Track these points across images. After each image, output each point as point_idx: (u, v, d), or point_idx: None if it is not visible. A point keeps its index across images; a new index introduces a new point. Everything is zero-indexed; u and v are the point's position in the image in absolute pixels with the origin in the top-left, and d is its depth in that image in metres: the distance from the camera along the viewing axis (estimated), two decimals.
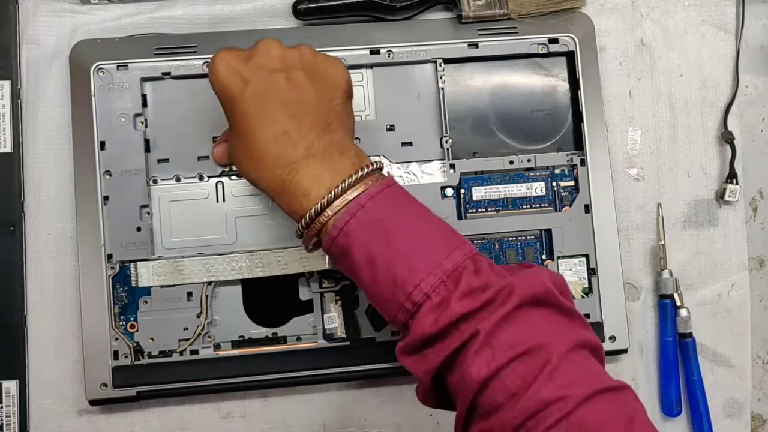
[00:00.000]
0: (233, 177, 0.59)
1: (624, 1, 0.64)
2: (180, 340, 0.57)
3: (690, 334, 0.61)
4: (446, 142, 0.60)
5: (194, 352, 0.57)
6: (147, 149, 0.58)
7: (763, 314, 0.65)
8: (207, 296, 0.57)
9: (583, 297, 0.60)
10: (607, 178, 0.60)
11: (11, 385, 0.58)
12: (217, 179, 0.59)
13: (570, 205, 0.61)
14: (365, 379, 0.59)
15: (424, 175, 0.60)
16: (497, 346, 0.41)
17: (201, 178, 0.59)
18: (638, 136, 0.63)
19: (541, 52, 0.61)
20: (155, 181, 0.58)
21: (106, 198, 0.57)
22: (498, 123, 0.62)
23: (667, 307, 0.62)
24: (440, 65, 0.60)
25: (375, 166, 0.46)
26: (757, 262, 0.66)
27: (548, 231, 0.60)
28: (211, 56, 0.58)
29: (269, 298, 0.59)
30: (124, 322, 0.57)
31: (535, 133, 0.62)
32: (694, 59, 0.64)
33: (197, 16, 0.61)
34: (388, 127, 0.60)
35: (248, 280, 0.58)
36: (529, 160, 0.61)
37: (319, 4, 0.59)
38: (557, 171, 0.61)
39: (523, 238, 0.60)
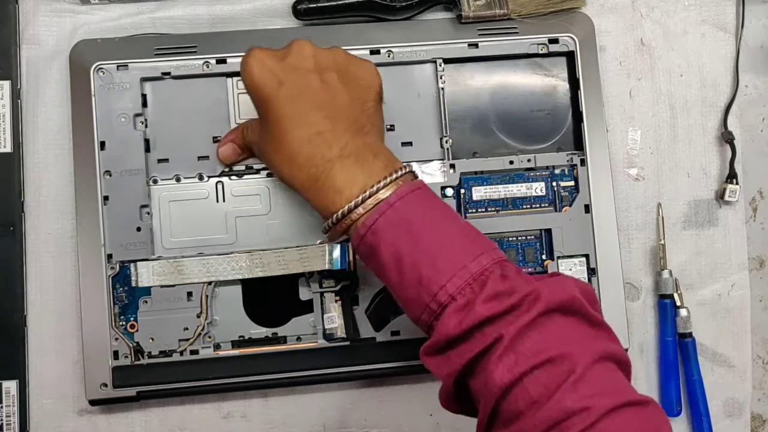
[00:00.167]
0: (233, 177, 0.59)
1: (624, 1, 0.64)
2: (180, 340, 0.57)
3: (690, 334, 0.61)
4: (446, 142, 0.60)
5: (194, 352, 0.57)
6: (147, 149, 0.58)
7: (763, 314, 0.65)
8: (207, 296, 0.57)
9: None
10: (607, 178, 0.60)
11: (11, 385, 0.58)
12: (217, 179, 0.59)
13: (570, 205, 0.61)
14: (365, 379, 0.59)
15: (424, 175, 0.60)
16: (521, 352, 0.41)
17: (201, 178, 0.59)
18: (638, 136, 0.63)
19: (541, 52, 0.61)
20: (155, 181, 0.58)
21: (106, 198, 0.57)
22: (498, 123, 0.62)
23: (667, 307, 0.62)
24: (440, 65, 0.60)
25: (407, 170, 0.47)
26: (757, 262, 0.66)
27: (548, 231, 0.60)
28: (210, 56, 0.59)
29: (269, 298, 0.59)
30: (124, 322, 0.57)
31: (535, 133, 0.62)
32: (694, 59, 0.64)
33: (197, 16, 0.61)
34: (388, 127, 0.60)
35: (248, 280, 0.58)
36: (529, 160, 0.61)
37: (319, 4, 0.59)
38: (557, 171, 0.61)
39: (523, 238, 0.60)
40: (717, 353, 0.63)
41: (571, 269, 0.60)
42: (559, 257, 0.60)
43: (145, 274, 0.57)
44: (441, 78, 0.60)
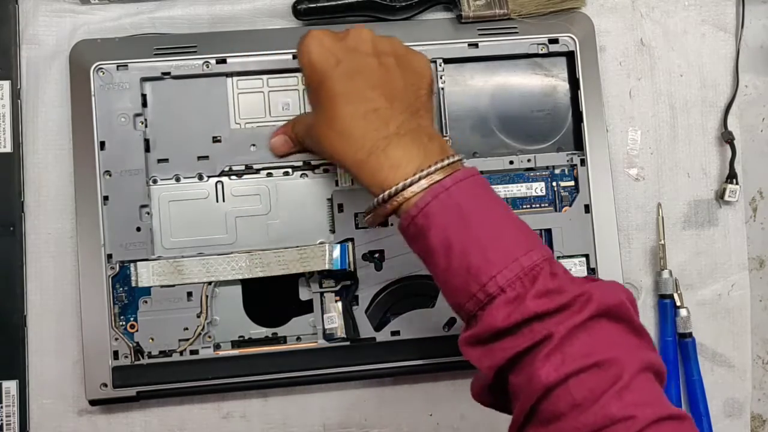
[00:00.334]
0: (233, 177, 0.59)
1: (624, 1, 0.64)
2: (180, 340, 0.57)
3: (690, 334, 0.61)
4: (446, 142, 0.60)
5: (194, 352, 0.57)
6: (147, 149, 0.58)
7: (763, 314, 0.65)
8: (207, 296, 0.57)
9: None
10: (607, 178, 0.60)
11: (11, 385, 0.58)
12: (216, 179, 0.59)
13: (570, 205, 0.61)
14: (365, 379, 0.59)
15: None
16: (569, 353, 0.41)
17: (201, 177, 0.59)
18: (638, 136, 0.63)
19: (541, 52, 0.61)
20: (155, 181, 0.58)
21: (106, 198, 0.57)
22: (498, 123, 0.62)
23: (667, 307, 0.62)
24: (440, 65, 0.60)
25: (460, 157, 0.47)
26: (757, 262, 0.66)
27: (548, 231, 0.60)
28: (210, 56, 0.59)
29: (269, 298, 0.59)
30: (124, 322, 0.57)
31: (535, 133, 0.62)
32: (694, 59, 0.64)
33: (197, 16, 0.61)
34: None
35: (248, 280, 0.58)
36: (529, 160, 0.61)
37: (319, 4, 0.59)
38: (557, 171, 0.61)
39: None
40: (717, 353, 0.63)
41: (571, 269, 0.59)
42: (559, 257, 0.60)
43: (145, 274, 0.57)
44: (441, 78, 0.60)
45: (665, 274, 0.62)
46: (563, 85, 0.62)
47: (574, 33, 0.61)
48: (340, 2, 0.59)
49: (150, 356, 0.57)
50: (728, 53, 0.65)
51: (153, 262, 0.57)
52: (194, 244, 0.58)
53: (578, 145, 0.61)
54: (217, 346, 0.58)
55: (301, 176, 0.59)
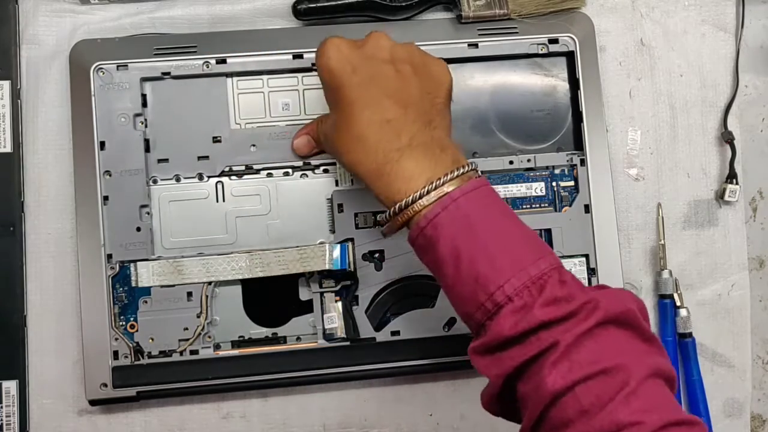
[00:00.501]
0: (233, 177, 0.59)
1: (624, 1, 0.64)
2: (180, 340, 0.57)
3: (690, 334, 0.61)
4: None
5: (194, 352, 0.57)
6: (147, 149, 0.58)
7: (763, 314, 0.65)
8: (207, 296, 0.57)
9: None
10: (607, 178, 0.60)
11: (11, 385, 0.58)
12: (216, 179, 0.59)
13: (570, 205, 0.61)
14: (365, 379, 0.59)
15: None
16: (576, 360, 0.41)
17: (201, 177, 0.59)
18: (638, 136, 0.63)
19: (541, 52, 0.61)
20: (155, 181, 0.58)
21: (105, 198, 0.57)
22: (498, 123, 0.62)
23: (666, 307, 0.62)
24: None
25: (471, 167, 0.47)
26: (757, 262, 0.66)
27: (548, 231, 0.60)
28: (210, 56, 0.59)
29: (269, 298, 0.59)
30: (124, 322, 0.57)
31: (535, 133, 0.62)
32: (694, 59, 0.64)
33: (197, 16, 0.61)
34: None
35: (248, 280, 0.58)
36: (528, 160, 0.61)
37: (319, 4, 0.59)
38: (557, 171, 0.61)
39: None
40: (717, 353, 0.63)
41: (571, 269, 0.59)
42: (559, 257, 0.59)
43: (145, 274, 0.57)
44: None
45: (665, 274, 0.62)
46: (563, 85, 0.62)
47: (574, 33, 0.61)
48: (340, 2, 0.59)
49: (150, 356, 0.57)
50: (728, 53, 0.65)
51: (153, 262, 0.57)
52: (194, 244, 0.58)
53: (578, 145, 0.61)
54: (217, 346, 0.58)
55: (301, 176, 0.59)
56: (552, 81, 0.62)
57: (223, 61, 0.59)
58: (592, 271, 0.60)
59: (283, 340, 0.58)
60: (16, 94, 0.59)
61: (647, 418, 0.39)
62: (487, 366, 0.44)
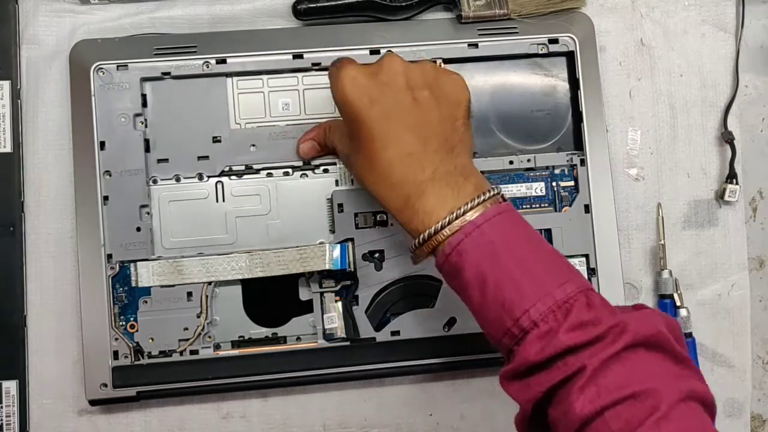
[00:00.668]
0: (233, 177, 0.59)
1: (624, 1, 0.64)
2: (180, 340, 0.57)
3: (690, 334, 0.61)
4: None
5: (194, 352, 0.57)
6: (147, 149, 0.58)
7: (763, 314, 0.65)
8: (207, 296, 0.57)
9: None
10: (607, 178, 0.60)
11: (11, 385, 0.58)
12: (216, 179, 0.59)
13: (570, 205, 0.61)
14: (365, 379, 0.59)
15: None
16: (603, 385, 0.40)
17: (201, 177, 0.59)
18: (638, 136, 0.63)
19: (541, 52, 0.61)
20: (155, 181, 0.58)
21: (105, 198, 0.57)
22: (498, 123, 0.62)
23: (667, 307, 0.62)
24: (440, 65, 0.60)
25: (495, 192, 0.47)
26: (757, 262, 0.66)
27: (548, 231, 0.60)
28: (210, 56, 0.59)
29: (269, 298, 0.59)
30: (124, 322, 0.57)
31: (535, 133, 0.62)
32: (694, 59, 0.64)
33: (197, 16, 0.61)
34: None
35: (248, 280, 0.58)
36: (528, 160, 0.61)
37: (319, 4, 0.59)
38: (557, 171, 0.61)
39: None
40: (717, 353, 0.63)
41: None
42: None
43: (144, 274, 0.57)
44: None
45: (665, 274, 0.62)
46: (563, 85, 0.62)
47: (574, 33, 0.61)
48: (340, 2, 0.59)
49: (150, 356, 0.57)
50: (728, 53, 0.65)
51: (153, 262, 0.57)
52: (194, 244, 0.58)
53: (578, 145, 0.61)
54: (217, 346, 0.58)
55: (301, 176, 0.59)
56: (552, 81, 0.62)
57: (223, 61, 0.59)
58: (592, 271, 0.60)
59: (283, 340, 0.58)
60: (16, 94, 0.59)
61: None
62: (516, 392, 0.44)
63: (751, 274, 0.64)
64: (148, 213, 0.58)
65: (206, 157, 0.59)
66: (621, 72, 0.63)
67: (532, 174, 0.61)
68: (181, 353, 0.57)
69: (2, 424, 0.57)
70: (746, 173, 0.64)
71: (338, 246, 0.57)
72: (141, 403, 0.58)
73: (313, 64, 0.59)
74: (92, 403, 0.57)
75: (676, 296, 0.61)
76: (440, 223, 0.45)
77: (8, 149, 0.59)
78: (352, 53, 0.59)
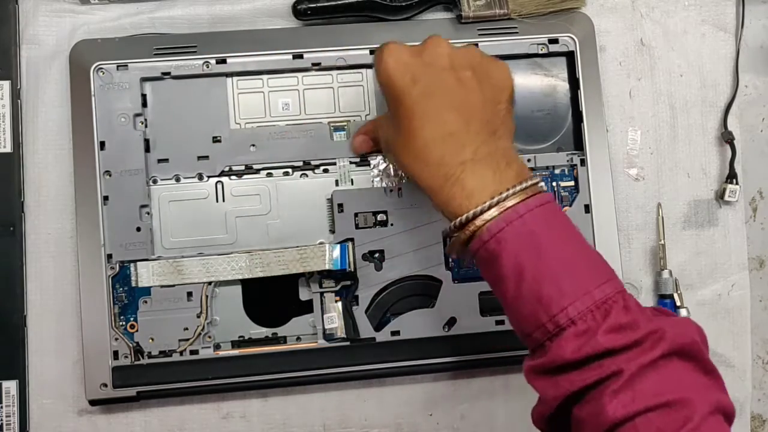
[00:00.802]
0: (233, 177, 0.59)
1: (624, 1, 0.64)
2: (180, 340, 0.57)
3: None
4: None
5: (194, 352, 0.57)
6: (147, 149, 0.58)
7: (763, 314, 0.65)
8: (207, 296, 0.57)
9: None
10: (607, 178, 0.60)
11: (11, 385, 0.58)
12: (216, 179, 0.59)
13: (570, 205, 0.61)
14: (365, 379, 0.59)
15: None
16: (639, 391, 0.40)
17: (201, 177, 0.59)
18: (638, 136, 0.63)
19: (541, 52, 0.61)
20: (155, 181, 0.58)
21: (105, 198, 0.57)
22: None
23: (666, 307, 0.62)
24: None
25: (536, 180, 0.46)
26: (757, 262, 0.66)
27: None
28: (210, 56, 0.59)
29: (269, 298, 0.59)
30: (124, 322, 0.57)
31: (535, 133, 0.62)
32: (694, 59, 0.64)
33: (197, 16, 0.61)
34: None
35: (248, 280, 0.58)
36: (529, 160, 0.61)
37: (319, 4, 0.59)
38: (557, 171, 0.61)
39: None
40: (717, 353, 0.63)
41: None
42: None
43: (144, 274, 0.57)
44: None
45: (665, 274, 0.62)
46: (563, 85, 0.62)
47: (574, 33, 0.61)
48: (340, 2, 0.59)
49: (150, 356, 0.57)
50: (728, 53, 0.65)
51: (153, 262, 0.57)
52: (194, 244, 0.58)
53: (578, 145, 0.61)
54: (217, 346, 0.58)
55: (301, 176, 0.59)
56: (552, 81, 0.62)
57: (223, 61, 0.59)
58: None
59: (283, 340, 0.58)
60: (16, 94, 0.59)
61: None
62: (543, 387, 0.44)
63: (751, 274, 0.64)
64: (148, 213, 0.58)
65: (206, 157, 0.59)
66: (621, 72, 0.63)
67: None
68: (181, 353, 0.57)
69: (2, 424, 0.57)
70: (746, 173, 0.64)
71: (338, 246, 0.57)
72: (141, 403, 0.58)
73: (313, 64, 0.59)
74: (92, 403, 0.57)
75: (676, 296, 0.61)
76: (480, 207, 0.44)
77: (8, 149, 0.59)
78: (352, 53, 0.59)
